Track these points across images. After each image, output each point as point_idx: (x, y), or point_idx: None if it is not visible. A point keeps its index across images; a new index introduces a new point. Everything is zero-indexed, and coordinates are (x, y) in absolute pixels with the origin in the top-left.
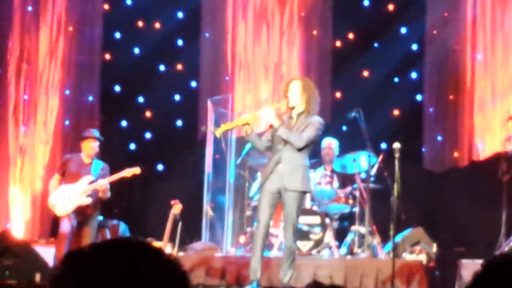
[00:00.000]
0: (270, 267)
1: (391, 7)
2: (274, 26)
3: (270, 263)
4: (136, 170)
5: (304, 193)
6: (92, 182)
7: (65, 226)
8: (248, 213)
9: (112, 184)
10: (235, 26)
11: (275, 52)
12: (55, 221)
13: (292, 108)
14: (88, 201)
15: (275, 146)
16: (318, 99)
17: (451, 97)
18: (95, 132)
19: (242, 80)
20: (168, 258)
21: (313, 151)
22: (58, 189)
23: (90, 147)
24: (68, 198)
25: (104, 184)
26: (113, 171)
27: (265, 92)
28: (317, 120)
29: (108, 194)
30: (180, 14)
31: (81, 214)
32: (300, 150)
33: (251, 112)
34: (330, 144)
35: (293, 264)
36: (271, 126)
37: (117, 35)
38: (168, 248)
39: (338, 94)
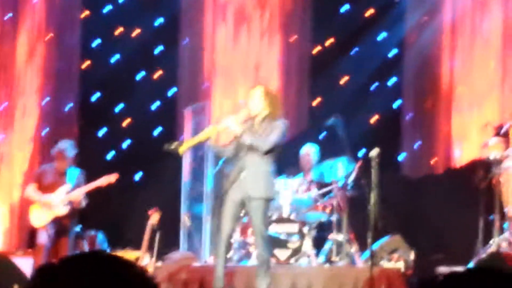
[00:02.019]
0: (248, 277)
1: (369, 12)
2: (253, 30)
3: (247, 273)
4: (112, 178)
5: (268, 200)
6: (69, 191)
7: (43, 237)
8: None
9: (89, 194)
10: (214, 32)
11: (253, 56)
12: (33, 231)
13: (255, 116)
14: (65, 211)
15: (237, 154)
16: (281, 104)
17: (429, 103)
18: (66, 151)
19: (221, 86)
20: (141, 271)
21: (292, 158)
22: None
23: (60, 165)
24: (47, 206)
25: (79, 194)
26: (91, 179)
27: (243, 96)
28: (281, 123)
29: (83, 203)
30: (159, 21)
31: (58, 225)
32: (265, 154)
33: (212, 126)
34: (309, 151)
35: (268, 272)
36: (235, 136)
37: (96, 42)
38: (146, 258)
39: (316, 101)
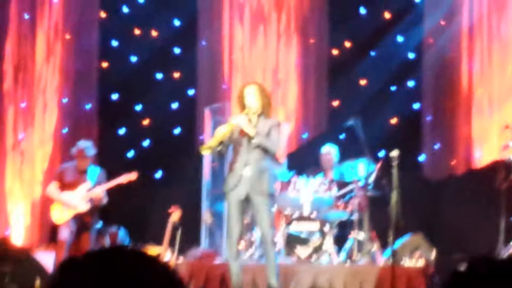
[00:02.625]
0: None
1: (387, 15)
2: (271, 31)
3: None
4: (132, 176)
5: (272, 196)
6: (90, 189)
7: (64, 233)
8: (247, 219)
9: (111, 191)
10: (232, 32)
11: (271, 58)
12: (54, 227)
13: (253, 113)
14: (86, 208)
15: (237, 151)
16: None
17: (448, 105)
18: (86, 150)
19: (239, 86)
20: (164, 266)
21: (312, 158)
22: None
23: (81, 164)
24: (67, 205)
25: (100, 192)
26: (112, 178)
27: None
28: (278, 122)
29: (105, 200)
30: (176, 22)
31: (80, 221)
32: (267, 153)
33: (227, 124)
34: (330, 151)
35: (278, 268)
36: (242, 133)
37: (114, 43)
38: (168, 255)
39: (335, 103)
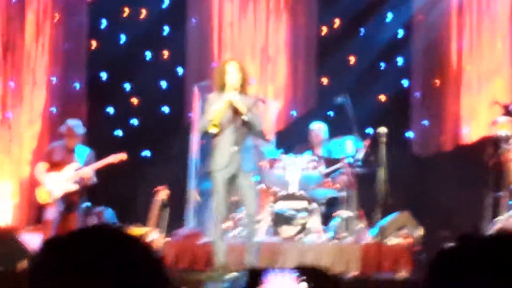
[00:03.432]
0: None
1: None
2: (260, 8)
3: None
4: (123, 156)
5: (256, 172)
6: (78, 169)
7: (51, 213)
8: (235, 198)
9: (98, 170)
10: (221, 10)
11: (261, 36)
12: (42, 208)
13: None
14: (74, 187)
15: (222, 130)
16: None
17: (437, 82)
18: (75, 128)
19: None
20: (145, 246)
21: (300, 136)
22: (48, 175)
23: (70, 142)
24: (55, 185)
25: (88, 171)
26: (100, 157)
27: (251, 74)
28: (256, 100)
29: (94, 180)
30: (165, 1)
31: (67, 201)
32: (251, 130)
33: (222, 100)
34: (319, 128)
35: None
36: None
37: (103, 22)
38: (155, 234)
39: (324, 80)
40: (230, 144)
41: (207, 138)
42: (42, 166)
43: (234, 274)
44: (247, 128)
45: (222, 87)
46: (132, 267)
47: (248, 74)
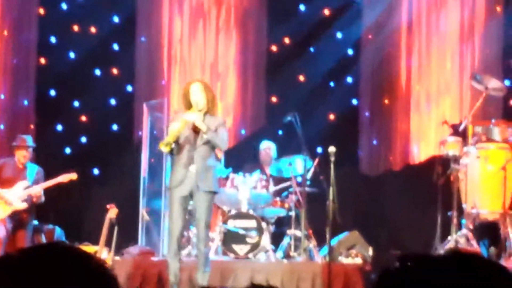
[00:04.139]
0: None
1: (326, 11)
2: (211, 25)
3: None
4: (73, 175)
5: (215, 193)
6: (27, 187)
7: (0, 231)
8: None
9: (47, 188)
10: (171, 27)
11: (211, 52)
12: None
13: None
14: (23, 206)
15: (183, 147)
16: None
17: (386, 101)
18: (27, 140)
19: (178, 81)
20: (99, 262)
21: (249, 155)
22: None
23: (23, 156)
24: (4, 201)
25: (38, 190)
26: (49, 175)
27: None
28: (223, 120)
29: (42, 199)
30: (115, 19)
31: (16, 219)
32: (213, 150)
33: (180, 120)
34: (269, 146)
35: (209, 266)
36: (195, 129)
37: (53, 39)
38: (104, 253)
39: (274, 98)
40: (187, 163)
41: (164, 156)
42: None
43: None
44: (209, 148)
45: (188, 107)
46: (87, 285)
47: (213, 94)
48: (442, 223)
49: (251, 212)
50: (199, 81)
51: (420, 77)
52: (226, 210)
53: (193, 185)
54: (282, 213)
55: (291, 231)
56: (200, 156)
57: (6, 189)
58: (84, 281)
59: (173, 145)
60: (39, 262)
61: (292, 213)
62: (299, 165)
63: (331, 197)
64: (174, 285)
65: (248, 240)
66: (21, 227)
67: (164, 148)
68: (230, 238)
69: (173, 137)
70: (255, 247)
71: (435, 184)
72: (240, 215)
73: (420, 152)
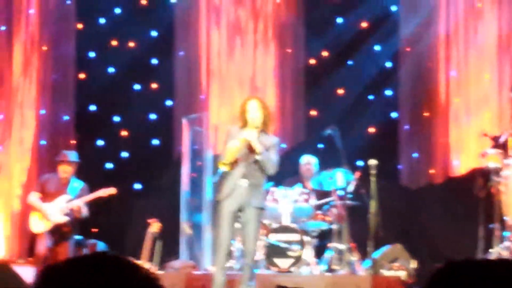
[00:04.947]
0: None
1: (364, 24)
2: (248, 40)
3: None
4: (112, 190)
5: (263, 210)
6: (69, 200)
7: (41, 246)
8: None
9: (90, 204)
10: (209, 42)
11: (249, 66)
12: (33, 240)
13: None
14: (64, 219)
15: (235, 162)
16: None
17: (426, 114)
18: (70, 156)
19: (217, 95)
20: (146, 272)
21: (289, 169)
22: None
23: (64, 170)
24: (46, 215)
25: (79, 204)
26: (90, 191)
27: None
28: (277, 141)
29: (85, 213)
30: (153, 33)
31: (58, 233)
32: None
33: (239, 139)
34: (310, 161)
35: (254, 281)
36: (250, 149)
37: (91, 54)
38: (148, 267)
39: (313, 112)
40: (239, 177)
41: (205, 170)
42: (34, 195)
43: None
44: (259, 165)
45: (244, 124)
46: None
47: (269, 111)
48: (484, 236)
49: (293, 225)
50: (256, 98)
51: (459, 89)
52: (268, 224)
53: (243, 200)
54: (324, 226)
55: (334, 245)
56: (251, 172)
57: (47, 203)
58: None
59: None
60: (87, 271)
61: (334, 227)
62: (340, 179)
63: (372, 210)
64: None
65: (290, 253)
66: (63, 241)
67: (224, 167)
68: (273, 252)
69: (232, 156)
70: (297, 260)
71: (476, 197)
72: (282, 229)
73: (461, 165)
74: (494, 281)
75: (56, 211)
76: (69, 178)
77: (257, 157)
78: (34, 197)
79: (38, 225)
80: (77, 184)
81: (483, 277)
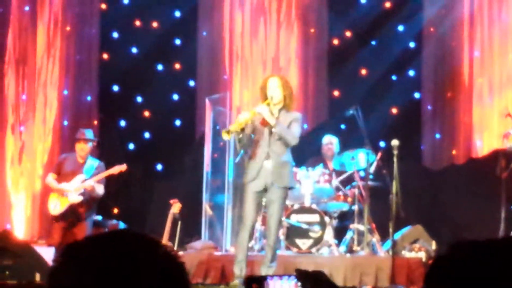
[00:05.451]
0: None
1: (388, 4)
2: (272, 20)
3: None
4: (123, 167)
5: (290, 189)
6: (84, 180)
7: (58, 228)
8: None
9: (110, 184)
10: (232, 22)
11: (272, 46)
12: (52, 220)
13: (275, 105)
14: (79, 199)
15: (258, 143)
16: (295, 96)
17: (449, 94)
18: (87, 133)
19: (240, 76)
20: (166, 249)
21: (312, 149)
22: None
23: (81, 148)
24: (61, 196)
25: (91, 183)
26: (106, 169)
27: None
28: (299, 116)
29: (99, 192)
30: (177, 13)
31: (74, 214)
32: (287, 146)
33: (250, 111)
34: (331, 141)
35: (275, 261)
36: (263, 123)
37: (115, 34)
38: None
39: (336, 92)
40: (263, 158)
41: (228, 150)
42: (51, 176)
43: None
44: (282, 144)
45: (264, 100)
46: (155, 271)
47: (291, 90)
48: (506, 217)
49: (314, 206)
50: (277, 76)
51: (482, 69)
52: (289, 205)
53: (267, 181)
54: (345, 207)
55: (354, 225)
56: (274, 152)
57: (64, 183)
58: (152, 267)
59: (238, 137)
60: (107, 247)
61: (355, 207)
62: (362, 159)
63: (394, 191)
64: (239, 278)
65: (311, 234)
66: (80, 220)
67: (225, 136)
68: (293, 233)
69: (237, 126)
70: (318, 241)
71: (498, 178)
72: (303, 210)
73: (483, 146)
74: (500, 261)
75: (72, 190)
76: (86, 157)
77: (273, 130)
78: (50, 178)
79: (56, 206)
80: (93, 163)
81: (488, 257)
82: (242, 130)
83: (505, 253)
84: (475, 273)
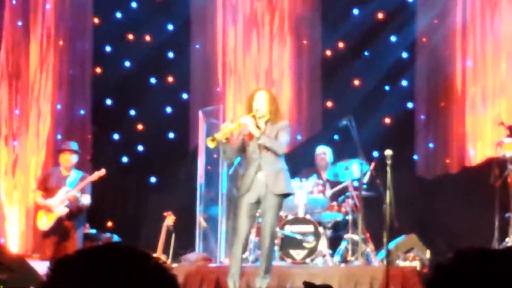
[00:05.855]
0: (247, 275)
1: (380, 15)
2: (264, 33)
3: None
4: (101, 172)
5: (286, 196)
6: (68, 191)
7: (48, 243)
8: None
9: (103, 197)
10: (225, 36)
11: (265, 59)
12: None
13: (260, 117)
14: (66, 210)
15: (249, 156)
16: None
17: (442, 104)
18: (72, 145)
19: (233, 89)
20: (157, 262)
21: (305, 160)
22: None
23: (66, 159)
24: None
25: (73, 193)
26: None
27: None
28: (286, 124)
29: (85, 202)
30: (170, 27)
31: (62, 225)
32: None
33: (235, 122)
34: (324, 151)
35: (270, 272)
36: (249, 136)
37: (108, 48)
38: (162, 259)
39: (329, 103)
40: (255, 170)
41: (221, 163)
42: (38, 194)
43: None
44: (273, 153)
45: (249, 112)
46: (146, 283)
47: (277, 106)
48: (500, 225)
49: (308, 217)
50: (266, 90)
51: (475, 79)
52: (283, 216)
53: (260, 192)
54: (339, 217)
55: (348, 235)
56: (266, 162)
57: (49, 199)
58: (143, 280)
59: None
60: (97, 260)
61: (349, 217)
62: (356, 169)
63: (388, 200)
64: None
65: (305, 245)
66: (69, 234)
67: (209, 143)
68: (287, 243)
69: (222, 135)
70: (312, 251)
71: (492, 186)
72: (297, 220)
73: (477, 154)
74: (502, 271)
75: (57, 204)
76: (70, 169)
77: (258, 142)
78: (38, 196)
79: (44, 222)
80: (77, 175)
81: (490, 266)
82: (227, 139)
83: (508, 262)
84: (478, 282)
